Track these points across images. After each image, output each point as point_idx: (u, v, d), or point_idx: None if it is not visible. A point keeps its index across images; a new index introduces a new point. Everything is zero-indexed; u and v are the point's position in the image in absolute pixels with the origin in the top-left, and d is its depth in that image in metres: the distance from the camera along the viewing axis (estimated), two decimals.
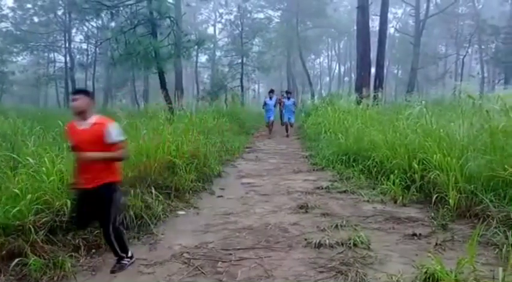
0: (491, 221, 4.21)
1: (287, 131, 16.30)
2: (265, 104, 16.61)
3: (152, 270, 3.65)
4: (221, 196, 6.59)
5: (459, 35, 43.58)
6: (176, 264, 3.75)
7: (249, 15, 35.43)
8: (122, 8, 15.92)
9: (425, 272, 3.18)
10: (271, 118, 16.36)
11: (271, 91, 17.03)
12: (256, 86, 58.80)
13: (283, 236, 4.43)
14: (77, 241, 4.04)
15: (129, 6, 15.83)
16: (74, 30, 35.48)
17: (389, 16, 38.73)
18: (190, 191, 6.39)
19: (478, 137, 5.67)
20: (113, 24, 17.96)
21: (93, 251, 4.05)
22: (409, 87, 31.35)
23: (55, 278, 3.42)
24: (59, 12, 32.97)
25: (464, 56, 41.35)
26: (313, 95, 33.65)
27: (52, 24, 33.83)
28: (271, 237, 4.41)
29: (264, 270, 3.54)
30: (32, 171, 4.55)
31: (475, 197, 4.80)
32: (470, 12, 41.89)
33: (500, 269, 2.93)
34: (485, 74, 43.10)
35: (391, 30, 46.21)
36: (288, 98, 16.52)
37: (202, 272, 3.56)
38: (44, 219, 3.96)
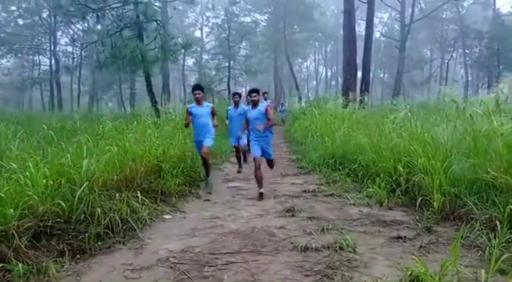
0: (474, 223, 4.26)
1: (259, 184, 6.80)
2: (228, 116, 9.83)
3: (138, 275, 3.62)
4: (208, 200, 6.58)
5: (444, 40, 44.33)
6: (162, 269, 3.72)
7: (236, 18, 35.54)
8: (108, 11, 15.86)
9: (410, 275, 3.20)
10: (240, 141, 8.89)
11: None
12: (244, 89, 58.85)
13: (269, 240, 4.44)
14: (62, 246, 3.99)
15: (115, 9, 15.78)
16: (59, 33, 35.24)
17: (375, 20, 39.22)
18: (177, 195, 6.37)
19: (461, 141, 5.75)
20: (99, 27, 17.84)
21: (78, 256, 4.00)
22: (395, 90, 31.76)
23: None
24: (44, 15, 32.69)
25: (449, 60, 42.01)
26: (300, 99, 33.87)
27: (37, 27, 33.54)
28: (257, 241, 4.41)
29: (251, 274, 3.54)
30: (16, 176, 4.49)
31: (459, 200, 4.87)
32: (454, 17, 42.60)
33: (483, 270, 2.97)
34: (469, 78, 43.76)
35: (377, 34, 46.75)
36: (254, 105, 7.12)
37: (189, 277, 3.54)
38: (27, 224, 3.90)
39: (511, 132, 4.96)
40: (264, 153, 7.16)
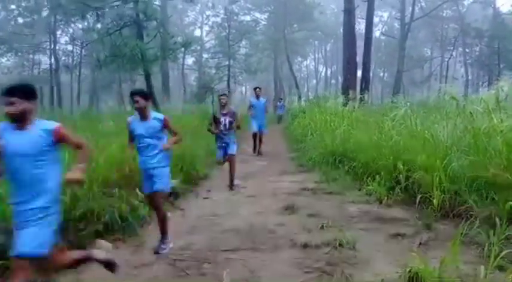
0: (474, 220, 4.25)
1: None
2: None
3: (137, 272, 3.62)
4: (207, 198, 6.58)
5: (444, 38, 44.24)
6: (162, 266, 3.73)
7: (236, 17, 35.49)
8: (107, 10, 15.84)
9: (410, 271, 3.20)
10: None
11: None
12: (244, 88, 58.90)
13: (269, 237, 4.44)
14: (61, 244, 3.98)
15: (115, 8, 15.77)
16: (59, 32, 35.17)
17: (375, 19, 39.17)
18: (176, 193, 6.36)
19: (461, 138, 5.74)
20: (98, 25, 17.84)
21: None
22: (395, 89, 31.73)
23: (38, 280, 3.36)
24: (44, 14, 32.61)
25: (449, 58, 42.01)
26: (300, 98, 33.82)
27: (37, 26, 33.46)
28: (257, 238, 4.41)
29: (250, 271, 3.54)
30: None
31: (459, 197, 4.86)
32: (454, 15, 42.48)
33: (482, 267, 2.97)
34: (470, 77, 43.72)
35: (376, 33, 46.66)
36: (142, 117, 4.38)
37: (188, 274, 3.54)
38: None
39: (510, 129, 4.95)
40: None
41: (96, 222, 4.41)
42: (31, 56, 39.04)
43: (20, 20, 33.41)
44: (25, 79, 34.23)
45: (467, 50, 42.63)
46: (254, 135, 11.56)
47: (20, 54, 36.21)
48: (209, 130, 7.25)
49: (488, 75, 37.01)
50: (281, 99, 29.79)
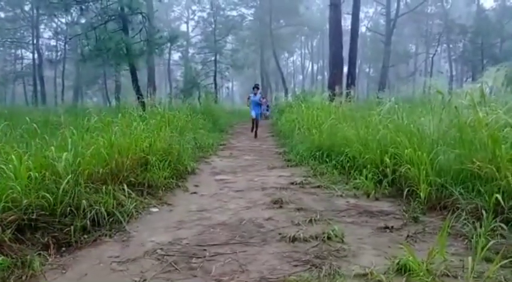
0: (460, 212, 4.30)
1: None
2: None
3: (125, 267, 3.58)
4: (195, 193, 6.53)
5: (428, 34, 44.71)
6: (149, 261, 3.69)
7: (222, 12, 35.37)
8: (91, 3, 15.61)
9: (398, 263, 3.23)
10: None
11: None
12: (230, 84, 58.74)
13: (257, 231, 4.42)
14: (46, 239, 3.92)
15: (100, 1, 15.54)
16: (42, 26, 34.69)
17: (361, 15, 39.37)
18: (164, 188, 6.31)
19: (447, 132, 5.80)
20: (82, 20, 17.57)
21: (63, 249, 3.94)
22: (381, 84, 32.01)
23: (23, 277, 3.30)
24: (27, 8, 32.11)
25: (434, 54, 42.48)
26: (286, 93, 33.87)
27: (19, 20, 32.93)
28: (245, 232, 4.39)
29: (239, 265, 3.52)
30: None
31: (445, 190, 4.91)
32: (438, 11, 43.03)
33: (470, 258, 2.99)
34: (454, 72, 44.25)
35: (362, 29, 46.95)
36: None
37: (176, 268, 3.51)
38: (11, 217, 3.82)
39: (495, 123, 5.00)
40: None
41: (83, 218, 4.35)
42: (13, 50, 38.44)
43: (2, 15, 32.85)
44: (7, 74, 33.72)
45: (451, 46, 43.21)
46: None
47: (1, 49, 35.65)
48: None
49: (472, 70, 37.51)
50: (257, 86, 17.49)
